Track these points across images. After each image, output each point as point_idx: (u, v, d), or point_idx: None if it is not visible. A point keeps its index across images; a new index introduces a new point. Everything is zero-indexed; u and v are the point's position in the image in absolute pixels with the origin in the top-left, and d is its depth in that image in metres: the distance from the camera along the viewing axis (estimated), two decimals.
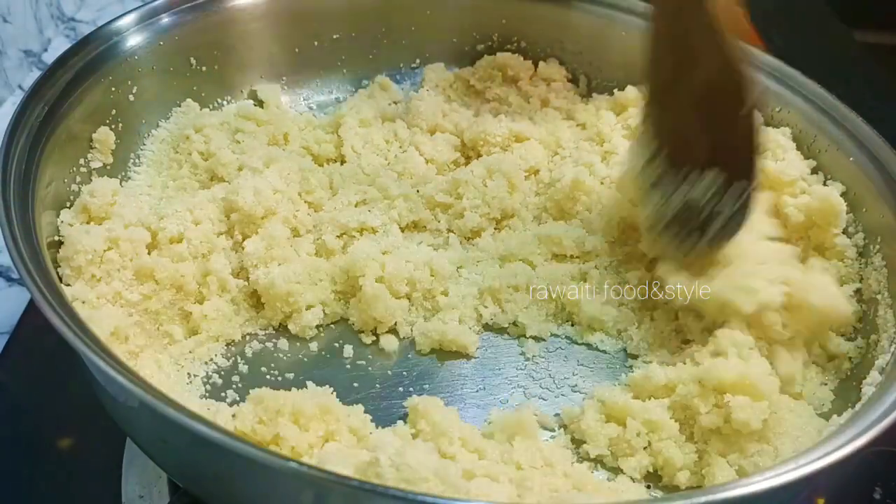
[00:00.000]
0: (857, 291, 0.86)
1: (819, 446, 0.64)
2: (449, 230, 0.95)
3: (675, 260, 0.74)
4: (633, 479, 0.74)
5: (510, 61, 1.10)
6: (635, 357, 0.85)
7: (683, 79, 0.70)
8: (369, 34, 1.09)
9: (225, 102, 1.03)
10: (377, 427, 0.73)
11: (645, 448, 0.74)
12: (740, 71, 0.68)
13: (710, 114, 0.69)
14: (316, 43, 1.07)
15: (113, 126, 0.89)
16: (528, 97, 1.09)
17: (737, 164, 0.69)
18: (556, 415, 0.79)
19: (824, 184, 0.92)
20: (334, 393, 0.74)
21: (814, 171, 0.93)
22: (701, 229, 0.73)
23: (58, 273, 0.76)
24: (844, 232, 0.90)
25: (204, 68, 0.99)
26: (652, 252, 0.82)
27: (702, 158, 0.69)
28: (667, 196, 0.74)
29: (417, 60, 1.11)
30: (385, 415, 0.77)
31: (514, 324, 0.87)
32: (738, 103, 0.68)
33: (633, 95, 1.04)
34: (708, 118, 0.69)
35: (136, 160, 0.93)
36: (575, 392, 0.82)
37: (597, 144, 1.02)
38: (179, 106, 0.98)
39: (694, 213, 0.72)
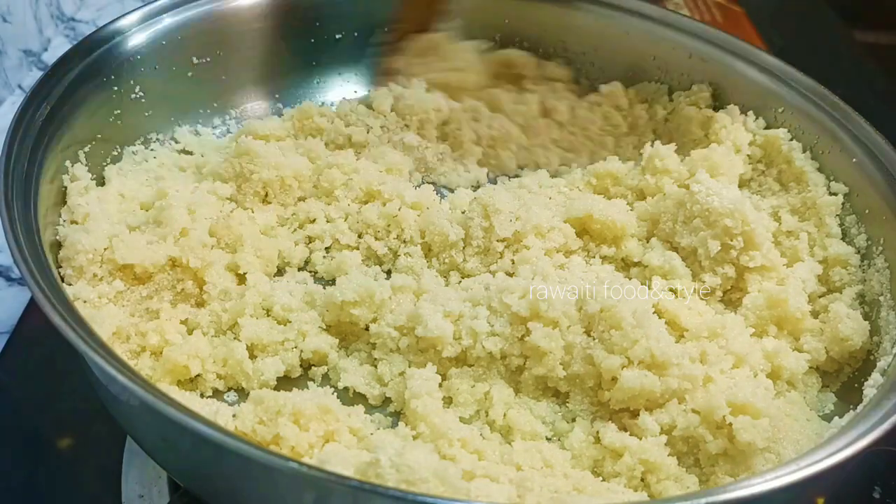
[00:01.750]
0: (860, 294, 0.86)
1: (820, 448, 0.64)
2: None
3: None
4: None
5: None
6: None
7: None
8: (372, 35, 1.09)
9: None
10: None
11: (641, 480, 0.72)
12: None
13: None
14: (319, 43, 1.07)
15: (115, 125, 0.89)
16: None
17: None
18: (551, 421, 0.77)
19: (827, 185, 0.93)
20: (335, 393, 0.74)
21: (818, 170, 0.94)
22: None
23: (59, 273, 0.76)
24: (846, 234, 0.90)
25: (206, 68, 0.99)
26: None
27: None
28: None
29: None
30: None
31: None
32: None
33: (632, 95, 1.05)
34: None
35: None
36: None
37: None
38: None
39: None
